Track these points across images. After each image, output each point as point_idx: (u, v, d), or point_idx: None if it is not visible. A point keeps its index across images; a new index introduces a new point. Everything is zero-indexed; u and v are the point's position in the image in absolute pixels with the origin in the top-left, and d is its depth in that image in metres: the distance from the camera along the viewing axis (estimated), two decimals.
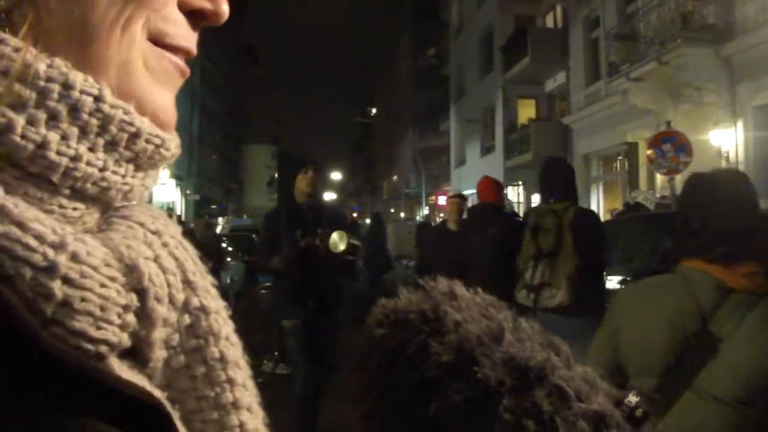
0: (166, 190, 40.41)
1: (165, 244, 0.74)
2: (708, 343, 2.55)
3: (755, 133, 16.63)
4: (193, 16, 0.76)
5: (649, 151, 15.50)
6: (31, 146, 0.61)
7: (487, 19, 36.18)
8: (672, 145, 14.88)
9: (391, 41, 68.30)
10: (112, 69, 0.67)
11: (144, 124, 0.70)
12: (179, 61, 0.76)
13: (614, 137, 22.97)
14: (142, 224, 0.74)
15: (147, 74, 0.71)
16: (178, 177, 44.85)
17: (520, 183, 33.99)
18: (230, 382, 0.77)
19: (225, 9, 0.78)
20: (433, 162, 51.98)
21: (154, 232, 0.74)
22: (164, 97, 0.74)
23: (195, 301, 0.75)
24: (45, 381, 0.56)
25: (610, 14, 23.16)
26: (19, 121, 0.61)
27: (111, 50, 0.67)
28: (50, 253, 0.59)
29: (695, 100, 17.67)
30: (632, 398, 0.75)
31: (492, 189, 8.40)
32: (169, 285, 0.71)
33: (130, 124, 0.68)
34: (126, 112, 0.68)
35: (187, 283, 0.75)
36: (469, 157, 41.07)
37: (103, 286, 0.63)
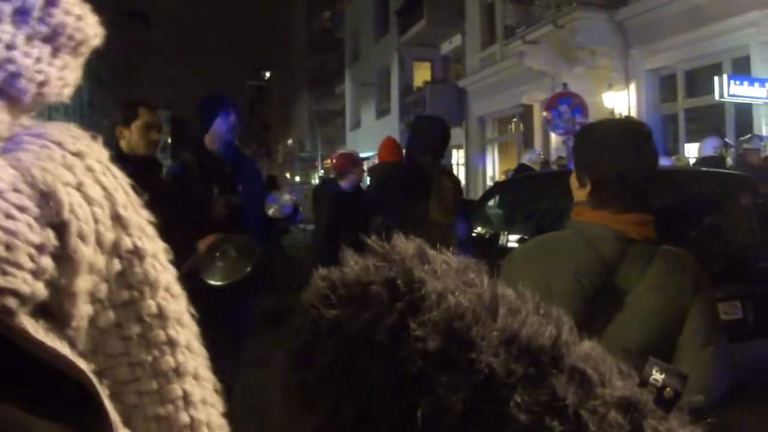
0: None
1: (90, 169, 0.61)
2: (614, 295, 2.52)
3: (647, 95, 17.08)
4: None
5: (545, 113, 15.79)
6: None
7: None
8: (568, 107, 15.18)
9: (285, 3, 67.63)
10: None
11: None
12: None
13: (510, 99, 23.22)
14: (59, 144, 0.61)
15: None
16: None
17: None
18: (171, 343, 0.66)
19: None
20: (329, 125, 51.83)
21: (75, 154, 0.61)
22: None
23: (127, 242, 0.63)
24: None
25: None
26: None
27: None
28: None
29: (589, 63, 17.98)
30: (657, 376, 0.58)
31: (394, 149, 8.40)
32: (95, 220, 0.59)
33: None
34: None
35: (117, 218, 0.63)
36: (365, 120, 41.15)
37: (9, 217, 0.52)
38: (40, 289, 0.53)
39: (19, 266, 0.51)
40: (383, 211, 5.95)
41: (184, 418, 0.64)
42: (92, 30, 0.64)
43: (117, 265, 0.62)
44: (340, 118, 48.84)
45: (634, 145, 2.63)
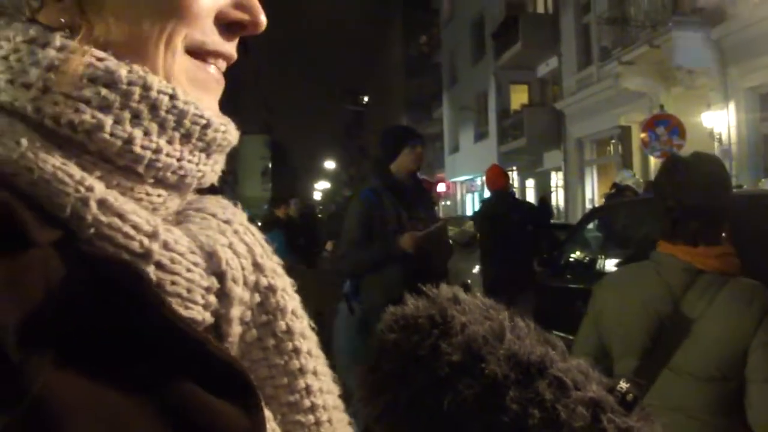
0: None
1: (236, 232, 0.85)
2: (681, 323, 2.64)
3: (747, 114, 16.63)
4: (232, 27, 0.85)
5: (642, 135, 15.61)
6: (118, 142, 0.72)
7: (478, 6, 36.06)
8: (665, 128, 15.00)
9: (382, 29, 67.94)
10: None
11: (212, 118, 0.80)
12: (215, 72, 0.85)
13: (607, 121, 22.95)
14: (214, 215, 0.85)
15: (189, 84, 0.79)
16: None
17: (514, 168, 34.02)
18: (296, 351, 0.88)
19: (263, 19, 0.86)
20: (427, 149, 51.81)
21: (225, 221, 0.85)
22: (207, 103, 0.82)
23: (264, 281, 0.86)
24: (162, 347, 0.69)
25: None
26: (107, 121, 0.71)
27: (158, 64, 0.76)
28: (145, 241, 0.71)
29: (687, 83, 17.66)
30: (623, 384, 0.82)
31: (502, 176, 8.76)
32: (242, 268, 0.82)
33: (201, 117, 0.78)
34: (197, 107, 0.78)
35: (256, 265, 0.86)
36: (463, 144, 40.96)
37: (189, 270, 0.74)
38: (208, 317, 0.77)
39: (195, 302, 0.75)
40: None
41: (306, 403, 0.88)
42: (233, 136, 0.87)
43: (257, 297, 0.85)
44: (438, 142, 48.76)
45: (716, 177, 2.77)
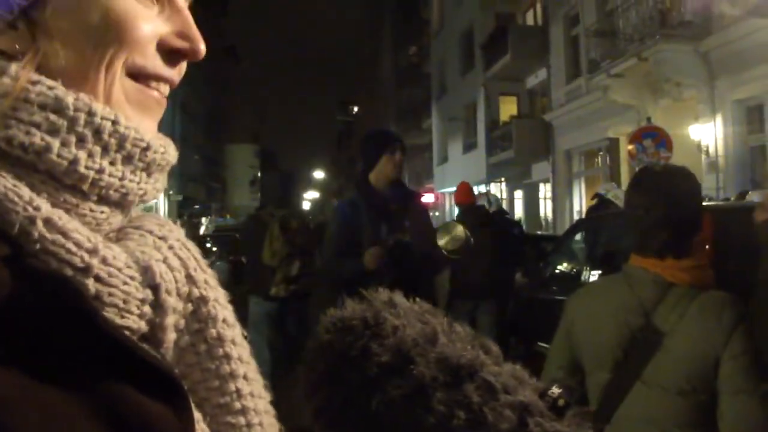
0: None
1: (170, 247, 0.91)
2: (652, 336, 2.64)
3: (734, 127, 16.77)
4: (173, 54, 0.92)
5: (630, 147, 15.70)
6: (65, 163, 0.79)
7: (468, 17, 36.28)
8: (653, 141, 15.10)
9: (372, 39, 68.21)
10: (101, 102, 0.83)
11: (152, 141, 0.88)
12: (156, 94, 0.91)
13: (595, 133, 23.14)
14: (151, 232, 0.91)
15: (129, 106, 0.87)
16: None
17: (502, 179, 34.15)
18: (227, 356, 0.94)
19: (202, 48, 0.94)
20: (416, 159, 51.98)
21: (161, 238, 0.91)
22: (146, 125, 0.89)
23: (196, 292, 0.92)
24: (95, 352, 0.75)
25: (590, 11, 23.31)
26: (55, 143, 0.78)
27: (98, 88, 0.83)
28: (86, 256, 0.78)
29: (675, 95, 17.86)
30: (555, 390, 0.84)
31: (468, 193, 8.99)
32: (175, 281, 0.88)
33: (141, 140, 0.86)
34: (137, 131, 0.85)
35: (189, 277, 0.92)
36: (452, 155, 41.24)
37: (125, 283, 0.81)
38: (143, 326, 0.83)
39: (131, 312, 0.81)
40: None
41: (237, 405, 0.94)
42: (172, 156, 0.93)
43: (190, 307, 0.91)
44: (427, 153, 48.97)
45: (677, 194, 2.76)
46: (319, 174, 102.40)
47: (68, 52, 0.81)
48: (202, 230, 26.72)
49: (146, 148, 0.86)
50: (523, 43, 28.69)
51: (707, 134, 17.04)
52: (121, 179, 0.85)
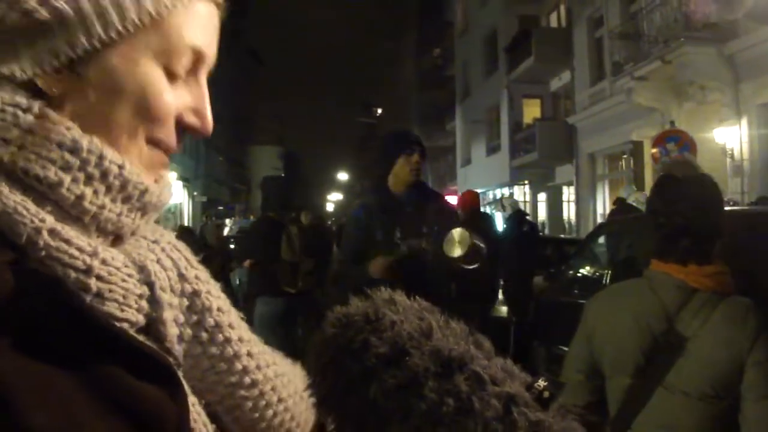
0: (173, 192, 39.61)
1: (163, 249, 1.01)
2: (675, 342, 2.64)
3: (759, 130, 16.62)
4: (184, 129, 1.03)
5: (653, 150, 15.62)
6: (72, 197, 0.89)
7: (491, 20, 36.22)
8: (676, 144, 15.02)
9: (395, 41, 68.13)
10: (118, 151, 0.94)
11: (150, 185, 0.98)
12: (164, 157, 1.02)
13: (619, 136, 23.04)
14: (144, 237, 1.01)
15: (141, 164, 0.97)
16: (185, 179, 44.92)
17: (526, 182, 34.05)
18: (228, 340, 1.03)
19: (209, 129, 1.06)
20: (439, 161, 51.95)
21: (153, 242, 1.01)
22: (150, 179, 1.00)
23: (188, 288, 1.01)
24: (93, 342, 0.83)
25: (614, 14, 23.21)
26: (67, 179, 0.88)
27: (120, 144, 0.94)
28: (87, 259, 0.87)
29: (699, 98, 17.74)
30: (541, 382, 0.89)
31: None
32: (168, 279, 0.98)
33: (141, 183, 0.96)
34: (138, 176, 0.96)
35: (181, 275, 1.01)
36: (475, 157, 41.16)
37: (124, 281, 0.91)
38: (142, 319, 0.93)
39: (130, 306, 0.91)
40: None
41: (247, 380, 1.04)
42: (166, 197, 1.04)
43: (185, 301, 1.00)
44: (450, 155, 48.89)
45: (708, 198, 2.79)
46: (342, 176, 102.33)
47: (100, 111, 0.92)
48: (225, 231, 26.66)
49: (144, 191, 0.97)
50: (547, 45, 28.61)
51: (732, 138, 16.85)
52: (119, 215, 0.94)
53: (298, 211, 13.73)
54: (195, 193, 51.13)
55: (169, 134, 1.00)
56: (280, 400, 1.08)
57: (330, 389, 0.93)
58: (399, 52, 66.48)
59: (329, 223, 31.44)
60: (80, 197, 0.89)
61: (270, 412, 1.07)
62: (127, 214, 0.96)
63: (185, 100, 1.02)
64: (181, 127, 1.02)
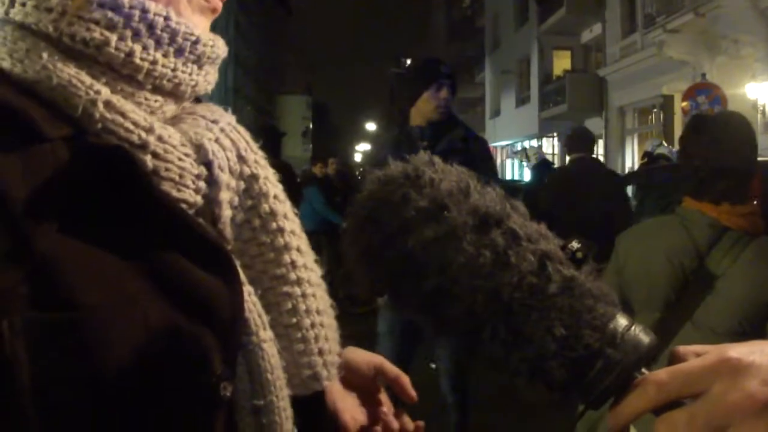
0: None
1: (222, 129, 0.99)
2: (705, 279, 2.67)
3: None
4: None
5: (683, 104, 15.47)
6: (121, 55, 0.88)
7: None
8: (707, 98, 14.85)
9: None
10: (163, 2, 0.92)
11: (202, 35, 0.96)
12: (214, 2, 1.00)
13: (650, 89, 22.80)
14: (203, 116, 0.99)
15: (188, 7, 0.96)
16: None
17: (555, 134, 33.85)
18: (281, 230, 1.01)
19: None
20: (468, 113, 51.61)
21: (213, 121, 0.99)
22: (201, 22, 0.99)
23: (247, 170, 1.00)
24: (150, 221, 0.84)
25: None
26: (113, 37, 0.87)
27: None
28: (143, 134, 0.87)
29: (732, 52, 17.42)
30: (575, 244, 0.91)
31: None
32: (227, 158, 0.97)
33: (191, 34, 0.94)
34: (187, 26, 0.94)
35: (240, 157, 1.00)
36: (504, 109, 40.91)
37: (180, 159, 0.90)
38: (199, 200, 0.91)
39: (186, 186, 0.89)
40: None
41: (293, 276, 1.02)
42: (221, 50, 1.02)
43: (243, 184, 0.99)
44: (480, 106, 48.61)
45: (743, 137, 2.79)
46: (371, 126, 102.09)
47: None
48: None
49: (196, 42, 0.95)
50: None
51: (764, 93, 16.50)
52: (174, 70, 0.93)
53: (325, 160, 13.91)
54: None
55: None
56: (318, 312, 1.04)
57: (368, 243, 0.91)
58: (429, 4, 65.92)
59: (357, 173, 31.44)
60: (130, 54, 0.88)
61: (308, 321, 1.02)
62: (183, 68, 0.94)
63: None
64: None
